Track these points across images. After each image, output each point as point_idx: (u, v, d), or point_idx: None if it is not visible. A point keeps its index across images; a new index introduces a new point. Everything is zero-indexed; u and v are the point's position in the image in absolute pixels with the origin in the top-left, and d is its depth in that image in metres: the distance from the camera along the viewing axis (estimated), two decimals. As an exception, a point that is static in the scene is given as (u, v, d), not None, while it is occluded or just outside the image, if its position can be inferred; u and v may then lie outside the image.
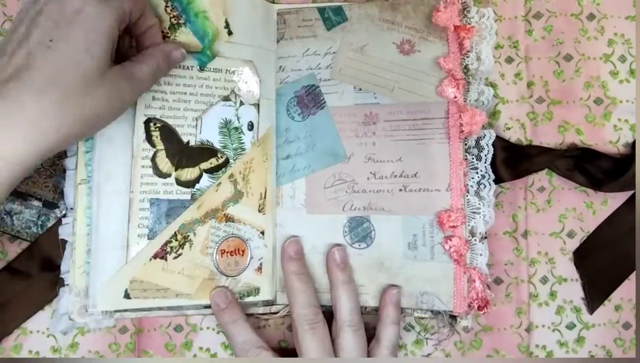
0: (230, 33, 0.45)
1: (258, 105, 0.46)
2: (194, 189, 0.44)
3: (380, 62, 0.47)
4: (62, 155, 0.44)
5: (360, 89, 0.47)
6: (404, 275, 0.45)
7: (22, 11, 0.36)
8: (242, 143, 0.45)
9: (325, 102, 0.47)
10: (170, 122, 0.43)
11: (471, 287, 0.43)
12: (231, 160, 0.45)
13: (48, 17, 0.34)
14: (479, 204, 0.45)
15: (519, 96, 0.48)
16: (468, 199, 0.45)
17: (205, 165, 0.44)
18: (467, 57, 0.46)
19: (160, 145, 0.43)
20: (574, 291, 0.48)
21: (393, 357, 0.44)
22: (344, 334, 0.43)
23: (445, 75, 0.45)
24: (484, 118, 0.44)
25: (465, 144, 0.45)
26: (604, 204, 0.48)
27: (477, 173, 0.45)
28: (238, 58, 0.46)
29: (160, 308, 0.43)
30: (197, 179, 0.44)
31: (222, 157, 0.45)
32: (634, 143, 0.48)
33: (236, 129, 0.45)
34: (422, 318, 0.46)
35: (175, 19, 0.43)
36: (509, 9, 0.49)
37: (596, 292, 0.47)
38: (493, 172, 0.45)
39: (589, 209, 0.48)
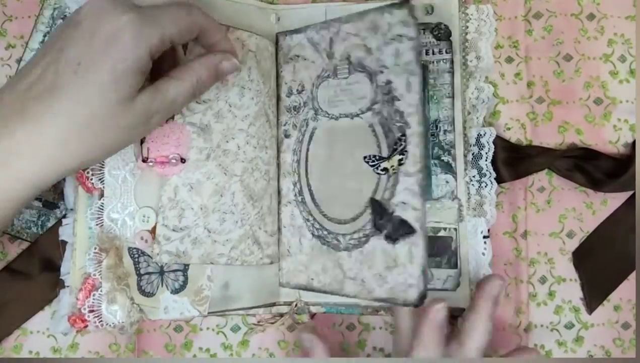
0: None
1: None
2: None
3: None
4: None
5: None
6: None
7: (62, 24, 0.35)
8: None
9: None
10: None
11: None
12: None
13: (83, 35, 0.33)
14: (481, 202, 0.45)
15: (519, 96, 0.48)
16: (469, 197, 0.45)
17: None
18: (467, 53, 0.46)
19: None
20: (572, 291, 0.48)
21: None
22: None
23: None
24: None
25: (466, 142, 0.45)
26: (604, 204, 0.48)
27: (478, 171, 0.45)
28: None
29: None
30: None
31: None
32: (633, 143, 0.48)
33: None
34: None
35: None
36: (508, 9, 0.49)
37: (595, 292, 0.47)
38: (494, 171, 0.45)
39: (589, 209, 0.48)
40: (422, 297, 0.39)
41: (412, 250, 0.39)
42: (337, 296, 0.43)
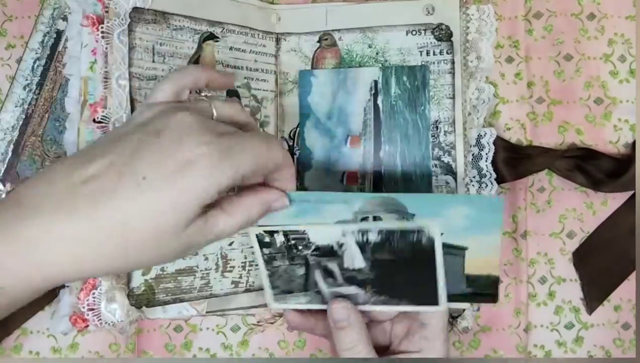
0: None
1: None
2: None
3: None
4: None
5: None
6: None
7: (139, 122, 0.32)
8: None
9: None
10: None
11: None
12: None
13: (159, 149, 0.30)
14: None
15: (519, 96, 0.48)
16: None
17: None
18: (468, 54, 0.46)
19: None
20: (572, 291, 0.48)
21: None
22: None
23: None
24: None
25: (466, 143, 0.45)
26: (604, 204, 0.48)
27: (478, 172, 0.45)
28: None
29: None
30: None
31: None
32: (634, 143, 0.48)
33: None
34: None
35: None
36: (509, 9, 0.49)
37: (595, 293, 0.47)
38: (494, 172, 0.45)
39: (589, 209, 0.48)
40: None
41: None
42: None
